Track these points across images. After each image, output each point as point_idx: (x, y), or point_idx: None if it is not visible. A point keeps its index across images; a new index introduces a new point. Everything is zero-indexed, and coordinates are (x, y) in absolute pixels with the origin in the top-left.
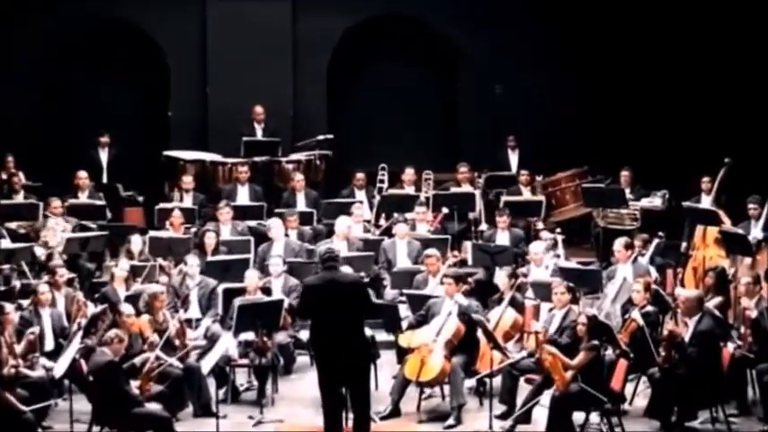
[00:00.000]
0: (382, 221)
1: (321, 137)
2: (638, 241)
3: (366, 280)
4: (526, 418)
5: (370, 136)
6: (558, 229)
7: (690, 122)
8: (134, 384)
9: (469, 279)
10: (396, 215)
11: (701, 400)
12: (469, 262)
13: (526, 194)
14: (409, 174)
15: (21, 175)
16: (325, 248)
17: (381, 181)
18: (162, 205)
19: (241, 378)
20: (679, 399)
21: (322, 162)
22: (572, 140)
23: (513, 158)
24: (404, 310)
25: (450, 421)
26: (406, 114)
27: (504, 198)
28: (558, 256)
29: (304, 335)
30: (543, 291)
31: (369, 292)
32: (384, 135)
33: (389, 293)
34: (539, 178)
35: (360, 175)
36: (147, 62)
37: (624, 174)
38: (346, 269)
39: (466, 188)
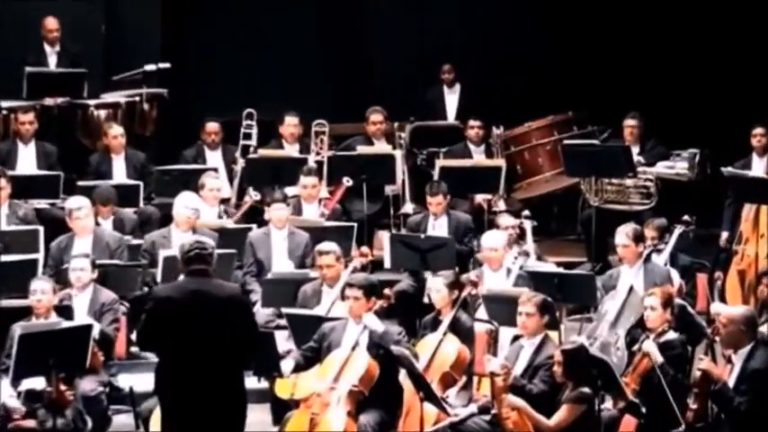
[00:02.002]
0: (248, 199)
1: (151, 66)
2: (653, 230)
3: None
4: None
5: (230, 67)
6: (527, 212)
7: (730, 46)
8: None
9: (387, 291)
10: (271, 190)
11: None
12: (387, 263)
13: (477, 157)
14: (291, 124)
15: None
16: (192, 241)
17: (247, 136)
18: None
19: None
20: None
21: (152, 106)
22: (547, 74)
23: (451, 99)
24: (283, 341)
25: None
26: (287, 35)
27: (440, 163)
28: (527, 255)
29: (125, 381)
30: (504, 309)
31: (253, 314)
32: (251, 65)
33: (261, 314)
34: (497, 131)
35: (212, 127)
36: None
37: (629, 123)
38: None
39: (380, 147)
